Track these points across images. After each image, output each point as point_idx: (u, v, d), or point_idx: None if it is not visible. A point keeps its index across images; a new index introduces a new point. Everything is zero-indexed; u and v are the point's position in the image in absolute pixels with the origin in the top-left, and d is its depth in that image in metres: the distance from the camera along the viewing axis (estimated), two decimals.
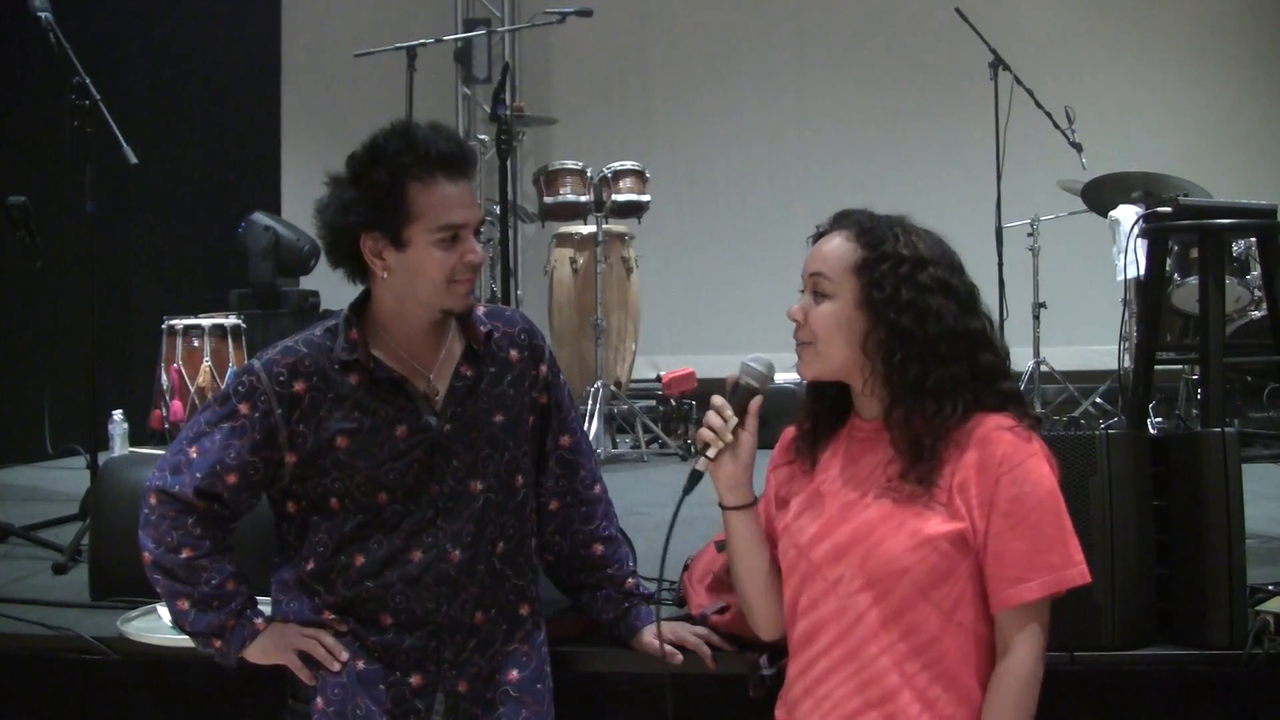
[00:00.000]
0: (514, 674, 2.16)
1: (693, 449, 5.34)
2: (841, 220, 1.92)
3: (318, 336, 2.09)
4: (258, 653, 2.09)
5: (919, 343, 1.81)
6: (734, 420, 1.93)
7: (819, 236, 1.93)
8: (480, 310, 2.17)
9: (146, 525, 2.05)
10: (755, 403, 1.95)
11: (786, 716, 1.93)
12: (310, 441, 2.04)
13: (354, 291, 2.15)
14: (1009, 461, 1.78)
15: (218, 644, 2.07)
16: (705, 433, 1.94)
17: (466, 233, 2.02)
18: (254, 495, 2.10)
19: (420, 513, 2.07)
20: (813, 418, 1.97)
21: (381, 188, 1.98)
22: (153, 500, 2.05)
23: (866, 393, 1.89)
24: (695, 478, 1.96)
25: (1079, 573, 1.79)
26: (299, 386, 2.04)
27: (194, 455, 2.04)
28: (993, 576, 1.79)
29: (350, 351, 2.05)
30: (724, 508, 2.00)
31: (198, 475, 2.03)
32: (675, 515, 1.98)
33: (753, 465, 1.97)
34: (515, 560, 2.17)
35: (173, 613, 2.09)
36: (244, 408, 2.04)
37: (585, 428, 5.11)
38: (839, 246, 1.88)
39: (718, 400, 1.94)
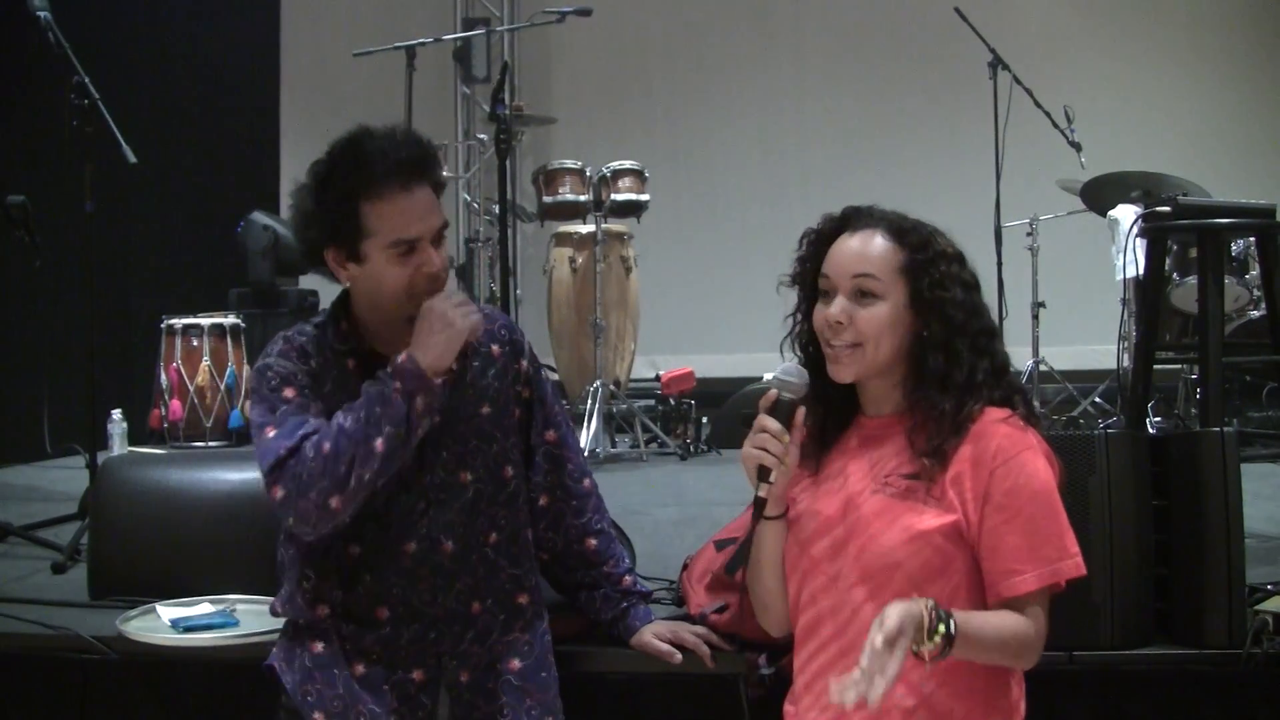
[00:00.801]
0: (515, 663, 2.16)
1: (691, 448, 5.39)
2: (862, 219, 1.91)
3: (309, 329, 2.12)
4: (434, 353, 1.94)
5: (971, 336, 1.86)
6: (788, 439, 1.89)
7: (827, 236, 1.93)
8: None
9: (293, 497, 1.92)
10: (800, 414, 1.91)
11: (794, 711, 1.94)
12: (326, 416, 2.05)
13: None
14: (1002, 454, 1.80)
15: (420, 402, 1.95)
16: (764, 457, 1.87)
17: (423, 244, 2.02)
18: None
19: (411, 503, 2.08)
20: (819, 422, 1.97)
21: (334, 207, 2.00)
22: (277, 493, 1.93)
23: (891, 390, 1.90)
24: (762, 505, 1.90)
25: (1074, 564, 1.79)
26: (312, 363, 2.07)
27: (270, 435, 1.97)
28: (988, 570, 1.80)
29: (343, 341, 2.09)
30: (770, 519, 1.96)
31: (292, 428, 1.96)
32: (748, 551, 1.96)
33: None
34: (509, 550, 2.18)
35: (384, 452, 1.93)
36: (290, 392, 2.03)
37: (584, 427, 5.11)
38: (882, 247, 1.88)
39: (773, 425, 1.87)
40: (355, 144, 2.02)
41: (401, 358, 1.96)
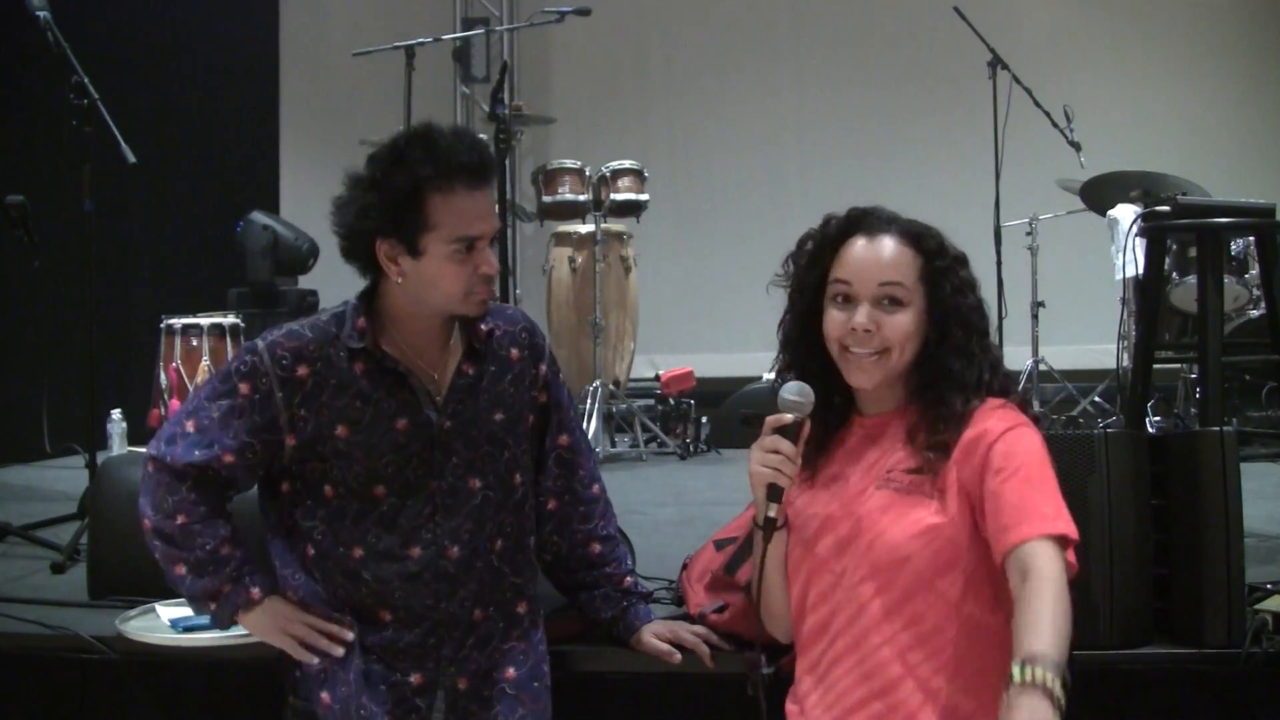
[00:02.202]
0: (511, 671, 2.16)
1: (690, 448, 5.39)
2: (873, 223, 1.91)
3: (324, 322, 2.09)
4: (254, 624, 2.09)
5: (968, 337, 1.89)
6: (798, 462, 1.90)
7: (833, 239, 1.92)
8: None
9: (144, 492, 2.07)
10: (806, 428, 1.91)
11: (798, 711, 1.93)
12: (310, 426, 2.04)
13: (353, 291, 2.15)
14: (998, 428, 1.82)
15: (212, 606, 2.08)
16: (779, 478, 1.87)
17: (483, 244, 2.03)
18: (251, 474, 2.09)
19: (418, 508, 2.07)
20: (817, 425, 1.96)
21: (401, 195, 1.98)
22: (150, 468, 2.06)
23: (894, 388, 1.92)
24: (772, 525, 1.90)
25: (1068, 525, 1.75)
26: (302, 370, 2.04)
27: (190, 429, 2.05)
28: (991, 529, 1.78)
29: (358, 339, 2.06)
30: (776, 530, 1.95)
31: (194, 452, 2.03)
32: (760, 570, 1.93)
33: None
34: (514, 558, 2.18)
35: (170, 579, 2.09)
36: (245, 387, 2.04)
37: (584, 427, 5.11)
38: (904, 254, 1.90)
39: (787, 447, 1.87)
40: (426, 137, 2.01)
41: (246, 613, 2.08)
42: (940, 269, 1.90)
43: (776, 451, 1.87)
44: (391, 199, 1.98)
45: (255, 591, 2.07)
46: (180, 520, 2.03)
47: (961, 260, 1.93)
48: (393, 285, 2.06)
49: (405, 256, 2.01)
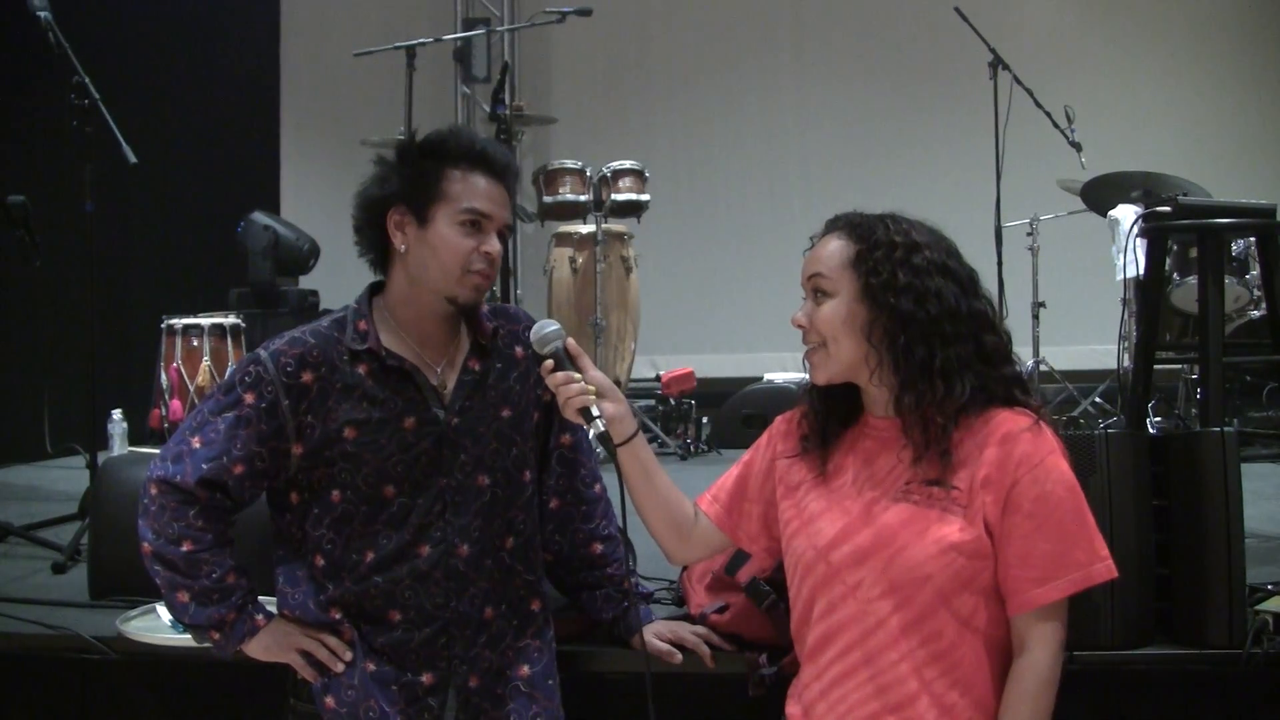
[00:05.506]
0: (525, 669, 2.16)
1: (691, 448, 5.40)
2: (833, 224, 1.93)
3: (325, 328, 2.09)
4: (258, 649, 2.08)
5: (922, 324, 1.81)
6: (580, 376, 1.94)
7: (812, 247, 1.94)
8: (485, 308, 2.17)
9: (146, 515, 2.02)
10: (571, 345, 1.98)
11: (802, 715, 1.92)
12: (318, 432, 2.04)
13: (354, 292, 2.15)
14: (1029, 461, 1.78)
15: (216, 636, 2.06)
16: (581, 399, 1.93)
17: (490, 225, 2.06)
18: (259, 485, 2.08)
19: (427, 506, 2.07)
20: (821, 420, 1.96)
21: (422, 166, 2.05)
22: (153, 490, 2.01)
23: (876, 385, 1.87)
24: (608, 440, 1.96)
25: (1106, 568, 1.78)
26: (307, 377, 2.03)
27: (197, 445, 2.02)
28: (1016, 578, 1.77)
29: (360, 341, 2.06)
30: (617, 447, 1.98)
31: (203, 466, 2.00)
32: (622, 490, 2.01)
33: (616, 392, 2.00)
34: (525, 555, 2.18)
35: (171, 604, 2.06)
36: (250, 398, 2.02)
37: None
38: (834, 246, 1.89)
39: (559, 376, 1.94)
40: (455, 130, 2.10)
41: (250, 640, 2.07)
42: (863, 252, 1.84)
43: (567, 383, 1.93)
44: (411, 169, 2.06)
45: (260, 618, 2.07)
46: (186, 548, 2.00)
47: (898, 244, 1.84)
48: (397, 270, 2.08)
49: (412, 224, 2.05)
